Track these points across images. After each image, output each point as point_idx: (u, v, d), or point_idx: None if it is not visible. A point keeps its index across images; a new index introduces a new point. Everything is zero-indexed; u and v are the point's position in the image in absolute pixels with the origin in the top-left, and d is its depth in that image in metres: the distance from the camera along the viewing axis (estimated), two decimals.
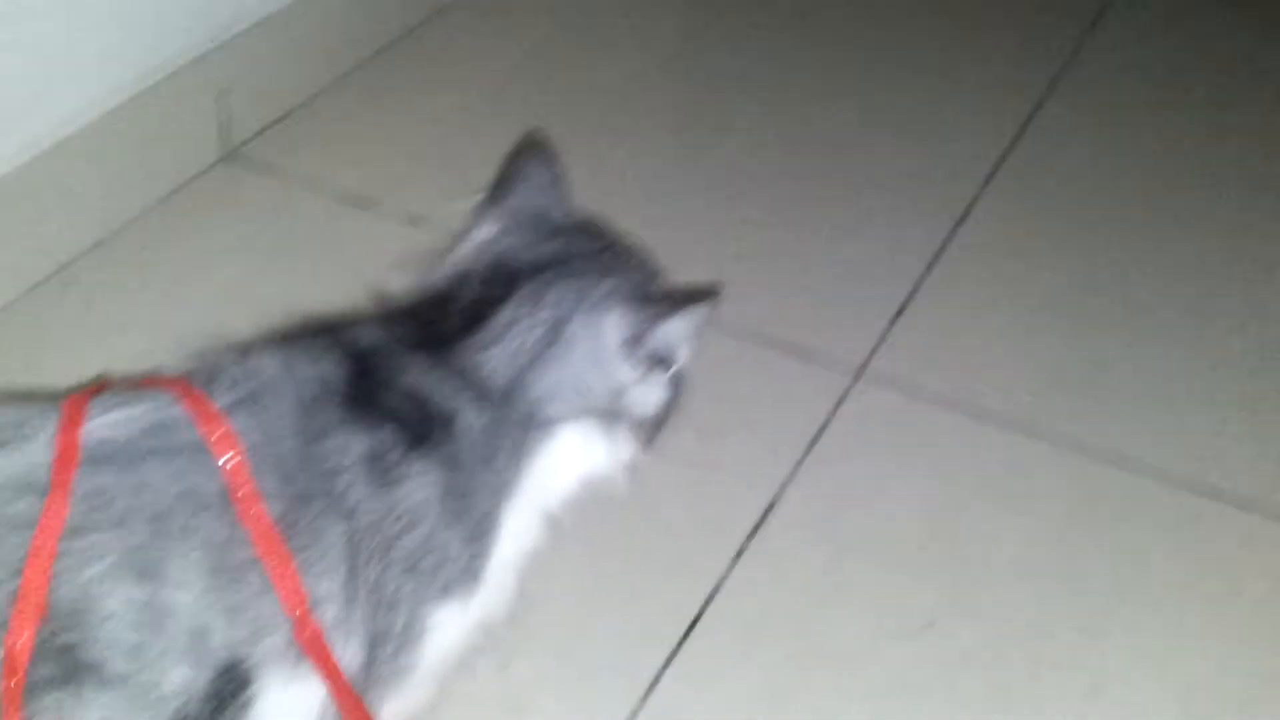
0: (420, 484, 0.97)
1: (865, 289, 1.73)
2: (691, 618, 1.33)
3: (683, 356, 1.09)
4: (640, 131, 2.01)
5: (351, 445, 0.95)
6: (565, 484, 1.08)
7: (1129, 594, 1.39)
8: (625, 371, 1.05)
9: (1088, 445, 1.54)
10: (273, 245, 1.73)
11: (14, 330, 1.57)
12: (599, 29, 2.21)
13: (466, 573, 1.01)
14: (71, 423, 0.90)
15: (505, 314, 1.02)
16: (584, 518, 1.39)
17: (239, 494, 0.90)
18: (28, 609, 0.84)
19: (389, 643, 0.98)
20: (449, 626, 1.01)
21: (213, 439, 0.91)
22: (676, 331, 1.06)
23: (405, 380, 0.99)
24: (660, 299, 1.07)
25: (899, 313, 1.70)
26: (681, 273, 1.68)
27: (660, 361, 1.06)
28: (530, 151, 1.13)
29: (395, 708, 1.02)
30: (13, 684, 0.84)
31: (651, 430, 1.10)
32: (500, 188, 1.11)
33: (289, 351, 0.98)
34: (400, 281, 1.07)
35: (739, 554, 1.39)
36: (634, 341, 1.04)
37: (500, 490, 1.02)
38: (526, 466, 1.03)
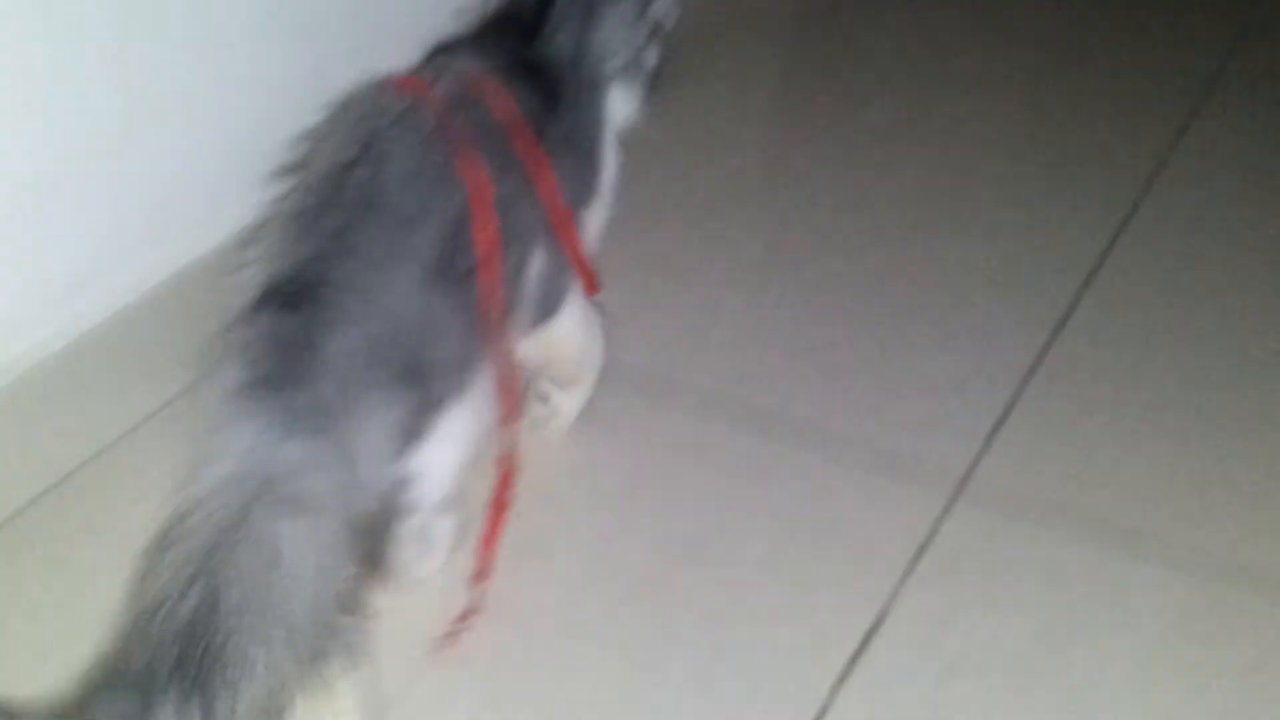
0: (559, 127, 1.41)
1: (963, 401, 1.71)
2: None
3: (669, 23, 1.53)
4: (730, 246, 2.02)
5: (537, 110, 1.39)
6: (620, 122, 1.52)
7: (1248, 713, 1.34)
8: (638, 34, 1.49)
9: (1200, 557, 1.50)
10: None
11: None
12: (693, 143, 2.23)
13: (592, 188, 1.48)
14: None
15: (558, 9, 1.45)
16: (687, 641, 1.39)
17: (514, 130, 1.37)
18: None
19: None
20: (590, 223, 1.49)
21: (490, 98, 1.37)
22: (663, 5, 1.51)
23: (535, 75, 1.42)
24: None
25: (999, 424, 1.67)
26: (774, 393, 1.70)
27: (657, 27, 1.51)
28: None
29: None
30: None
31: (651, 83, 1.53)
32: None
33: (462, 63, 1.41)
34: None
35: (841, 680, 1.37)
36: (640, 11, 1.49)
37: (594, 128, 1.48)
38: (602, 112, 1.49)
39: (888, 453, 1.63)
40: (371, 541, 1.18)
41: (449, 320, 1.25)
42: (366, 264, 1.18)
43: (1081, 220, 2.05)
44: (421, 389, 1.22)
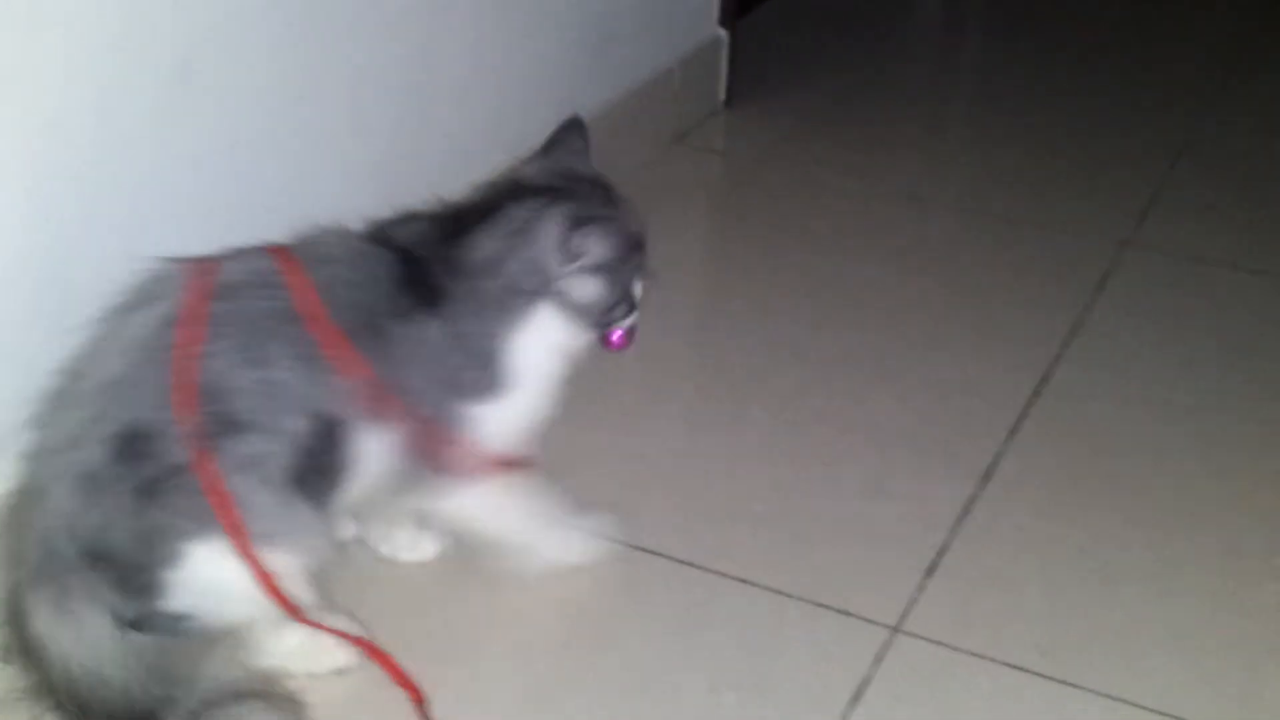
0: (426, 327, 1.46)
1: (895, 546, 1.75)
2: None
3: (600, 258, 1.51)
4: (659, 394, 2.07)
5: (387, 301, 1.45)
6: (551, 343, 1.53)
7: None
8: (560, 260, 1.50)
9: (1127, 699, 1.53)
10: None
11: None
12: None
13: (483, 385, 1.49)
14: (205, 271, 1.42)
15: (503, 212, 1.51)
16: None
17: (309, 313, 1.40)
18: (187, 397, 1.36)
19: (441, 425, 1.48)
20: (488, 420, 1.50)
21: (291, 280, 1.42)
22: (592, 239, 1.50)
23: (428, 267, 1.48)
24: (585, 219, 1.50)
25: (930, 570, 1.71)
26: (709, 531, 1.73)
27: (587, 260, 1.50)
28: (567, 126, 1.63)
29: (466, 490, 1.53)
30: (198, 447, 1.35)
31: (593, 318, 1.54)
32: (544, 148, 1.63)
33: (355, 241, 1.50)
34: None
35: None
36: (563, 239, 1.49)
37: (494, 333, 1.49)
38: (513, 321, 1.50)
39: (823, 596, 1.66)
40: None
41: None
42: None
43: (1007, 369, 2.12)
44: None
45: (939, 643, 1.60)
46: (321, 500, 1.44)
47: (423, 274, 1.47)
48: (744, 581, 1.68)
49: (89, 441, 1.35)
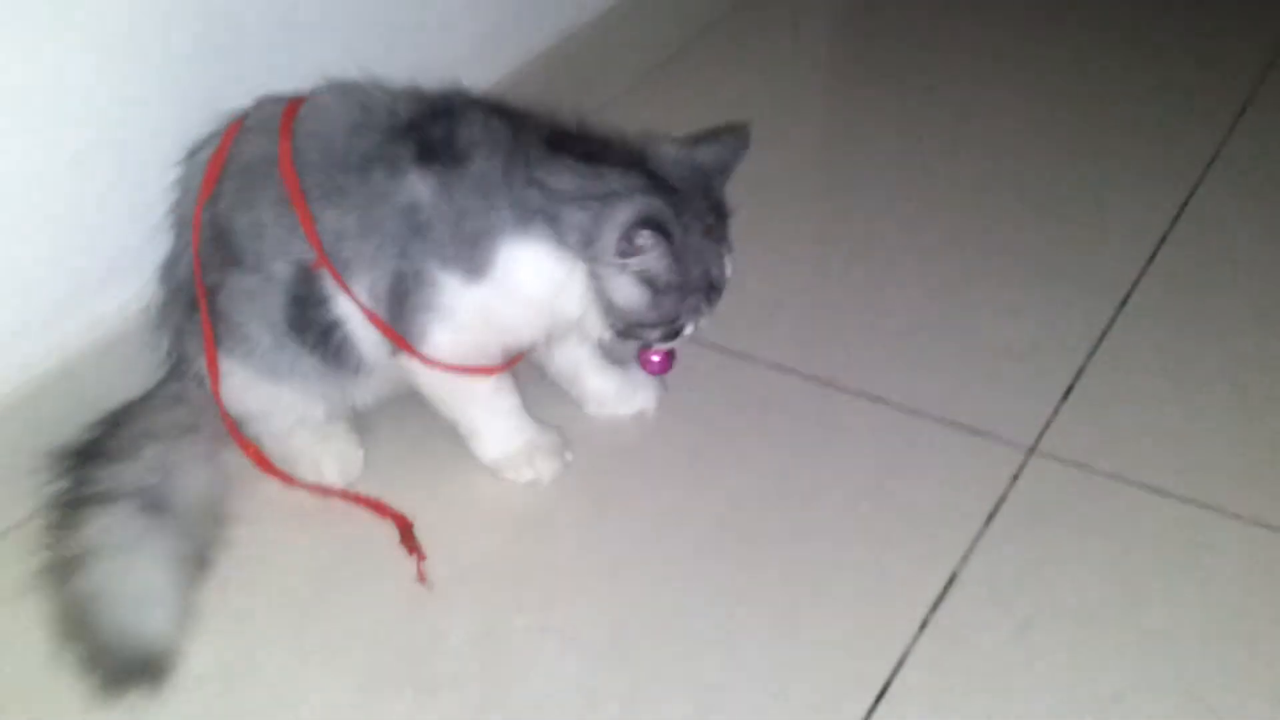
0: (417, 185, 1.41)
1: (1032, 369, 1.74)
2: (878, 690, 1.34)
3: (654, 271, 1.41)
4: (793, 219, 2.05)
5: (380, 149, 1.43)
6: (535, 285, 1.43)
7: None
8: (614, 246, 1.39)
9: (1265, 522, 1.52)
10: None
11: None
12: (750, 120, 2.26)
13: (466, 257, 1.41)
14: (237, 124, 1.49)
15: (599, 167, 1.41)
16: (767, 590, 1.42)
17: (282, 162, 1.43)
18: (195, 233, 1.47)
19: (407, 281, 1.42)
20: (453, 289, 1.42)
21: (284, 127, 1.44)
22: (655, 250, 1.39)
23: (446, 125, 1.43)
24: (663, 226, 1.39)
25: (1067, 392, 1.70)
26: (843, 347, 1.73)
27: (637, 263, 1.40)
28: (737, 132, 1.51)
29: (426, 360, 1.46)
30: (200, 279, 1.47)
31: (619, 322, 1.45)
32: (698, 137, 1.51)
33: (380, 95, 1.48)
34: None
35: (923, 625, 1.40)
36: (629, 229, 1.38)
37: (500, 225, 1.40)
38: (515, 236, 1.40)
39: (959, 417, 1.66)
40: None
41: None
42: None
43: (1146, 193, 2.08)
44: None
45: (1075, 464, 1.60)
46: (330, 355, 1.48)
47: (449, 139, 1.42)
48: (878, 400, 1.68)
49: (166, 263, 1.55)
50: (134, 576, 1.33)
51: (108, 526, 1.36)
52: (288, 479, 1.53)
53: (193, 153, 1.51)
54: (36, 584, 1.36)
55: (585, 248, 1.40)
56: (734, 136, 1.50)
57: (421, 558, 1.46)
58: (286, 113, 1.46)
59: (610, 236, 1.39)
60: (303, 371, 1.49)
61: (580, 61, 2.18)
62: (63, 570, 1.34)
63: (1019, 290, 1.88)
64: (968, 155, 2.19)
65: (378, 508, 1.51)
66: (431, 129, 1.43)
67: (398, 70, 1.52)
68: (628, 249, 1.39)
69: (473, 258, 1.41)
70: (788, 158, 2.17)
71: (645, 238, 1.38)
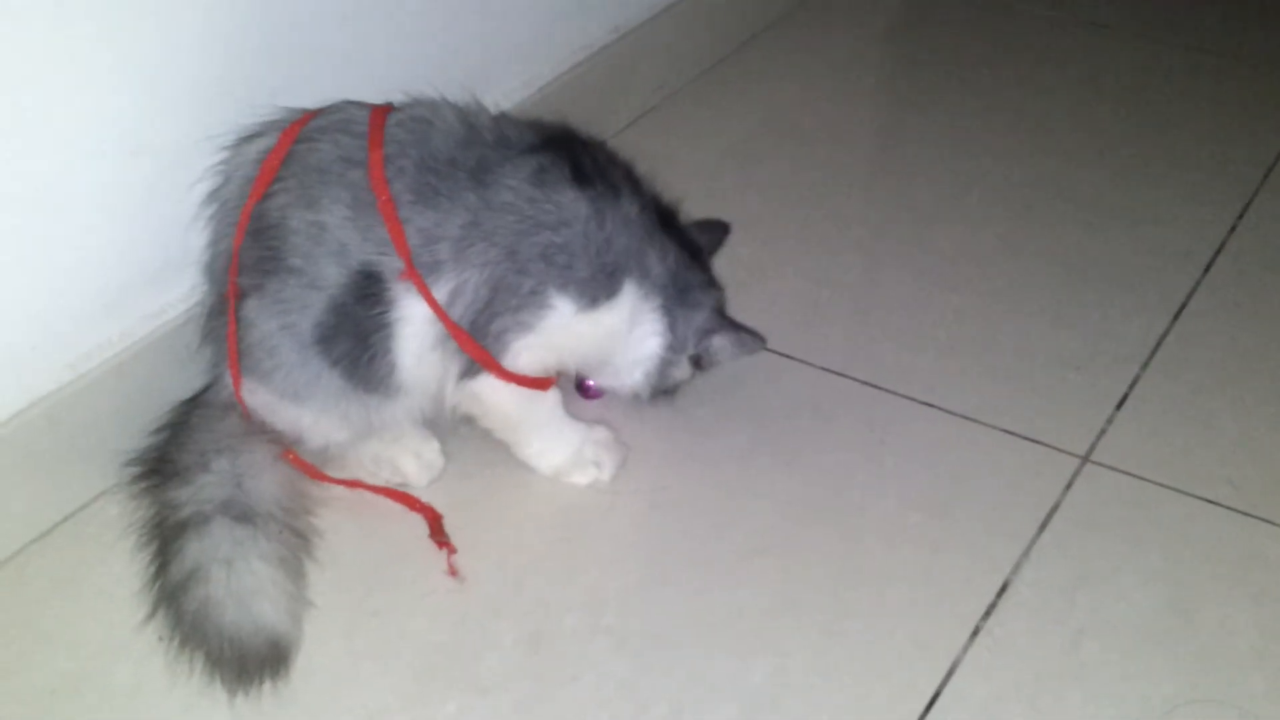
0: (574, 205, 1.42)
1: (1086, 378, 1.73)
2: (929, 698, 1.33)
3: (704, 358, 1.57)
4: (844, 224, 2.04)
5: (515, 159, 1.44)
6: (630, 332, 1.50)
7: None
8: (686, 340, 1.53)
9: None
10: None
11: None
12: (804, 124, 2.26)
13: (591, 286, 1.44)
14: (299, 123, 1.45)
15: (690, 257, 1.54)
16: (818, 595, 1.42)
17: (373, 167, 1.40)
18: (241, 232, 1.43)
19: (514, 296, 1.42)
20: (564, 314, 1.44)
21: (374, 135, 1.42)
22: (720, 352, 1.56)
23: (589, 154, 1.47)
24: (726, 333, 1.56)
25: (1121, 402, 1.69)
26: (896, 352, 1.73)
27: (691, 352, 1.55)
28: (718, 227, 1.66)
29: (503, 373, 1.47)
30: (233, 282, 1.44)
31: (661, 385, 1.56)
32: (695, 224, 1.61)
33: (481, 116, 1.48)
34: None
35: (975, 633, 1.39)
36: (702, 334, 1.54)
37: (629, 264, 1.46)
38: (639, 283, 1.48)
39: (1013, 425, 1.65)
40: None
41: None
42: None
43: (1201, 202, 2.07)
44: None
45: (1129, 473, 1.59)
46: (359, 369, 1.44)
47: (600, 168, 1.47)
48: (930, 405, 1.68)
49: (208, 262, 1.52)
50: (243, 580, 1.34)
51: (204, 548, 1.36)
52: (320, 475, 1.53)
53: (240, 142, 1.48)
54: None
55: (671, 330, 1.52)
56: (716, 228, 1.66)
57: (452, 551, 1.47)
58: (375, 121, 1.44)
59: (688, 328, 1.53)
60: (324, 390, 1.46)
61: (620, 69, 2.19)
62: (175, 593, 1.35)
63: (1074, 299, 1.87)
64: (1022, 163, 2.17)
65: (408, 501, 1.52)
66: (578, 154, 1.46)
67: (422, 76, 1.53)
68: (695, 345, 1.55)
69: (598, 287, 1.44)
70: (841, 164, 2.17)
71: (712, 342, 1.55)
